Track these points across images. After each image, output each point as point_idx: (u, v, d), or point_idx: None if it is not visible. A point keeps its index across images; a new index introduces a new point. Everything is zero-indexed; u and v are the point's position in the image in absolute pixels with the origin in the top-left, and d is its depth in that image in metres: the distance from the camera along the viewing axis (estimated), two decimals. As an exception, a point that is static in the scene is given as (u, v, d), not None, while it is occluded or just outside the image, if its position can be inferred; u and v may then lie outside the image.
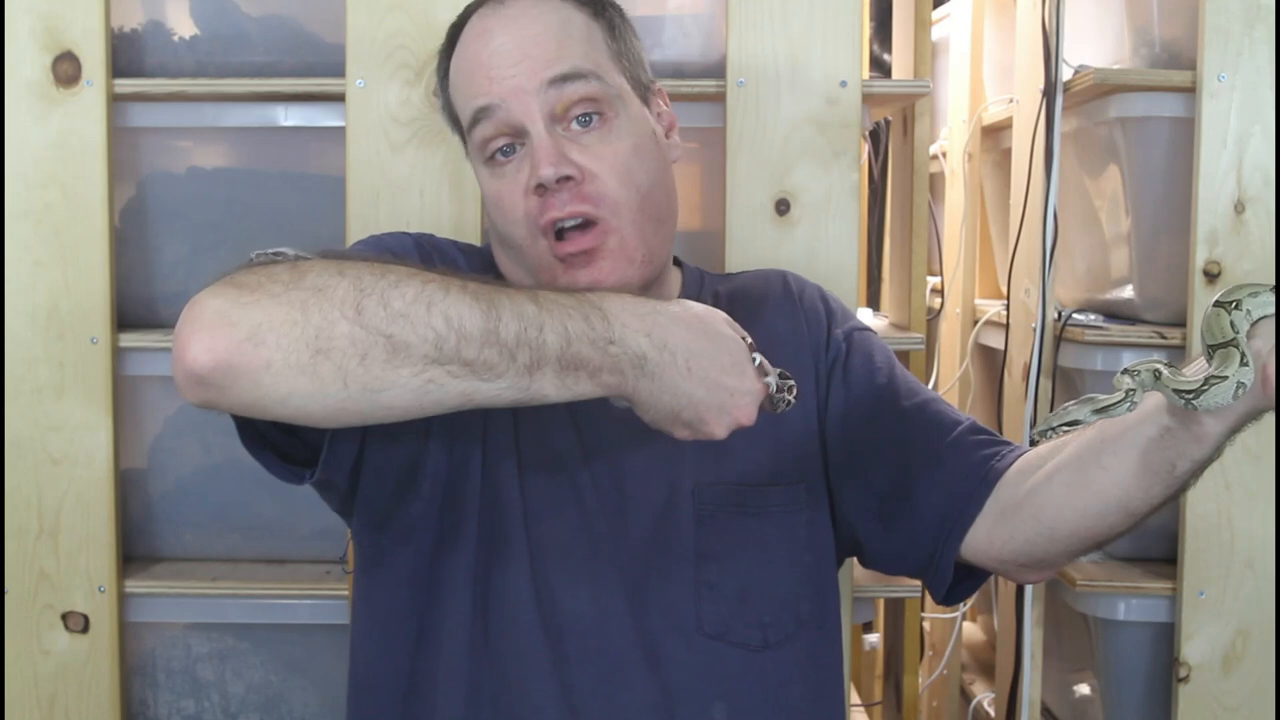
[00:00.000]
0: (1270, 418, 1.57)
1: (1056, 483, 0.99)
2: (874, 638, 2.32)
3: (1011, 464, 1.06)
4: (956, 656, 2.14)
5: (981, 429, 1.12)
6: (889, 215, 2.24)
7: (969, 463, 1.08)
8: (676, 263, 1.23)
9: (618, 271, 1.07)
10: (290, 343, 0.84)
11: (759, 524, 1.11)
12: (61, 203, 1.57)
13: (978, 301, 2.17)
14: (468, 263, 1.15)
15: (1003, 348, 1.90)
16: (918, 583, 1.78)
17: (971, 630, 2.37)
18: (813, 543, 1.13)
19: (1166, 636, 1.64)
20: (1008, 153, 1.96)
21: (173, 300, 1.68)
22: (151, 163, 1.67)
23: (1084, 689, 1.84)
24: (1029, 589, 1.71)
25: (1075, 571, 1.67)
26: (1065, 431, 0.91)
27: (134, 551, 1.68)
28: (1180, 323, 1.63)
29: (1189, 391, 0.84)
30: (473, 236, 1.56)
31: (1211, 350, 0.84)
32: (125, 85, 1.59)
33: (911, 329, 1.83)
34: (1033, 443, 0.98)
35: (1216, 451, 0.89)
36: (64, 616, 1.60)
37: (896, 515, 1.11)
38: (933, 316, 2.21)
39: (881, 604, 2.22)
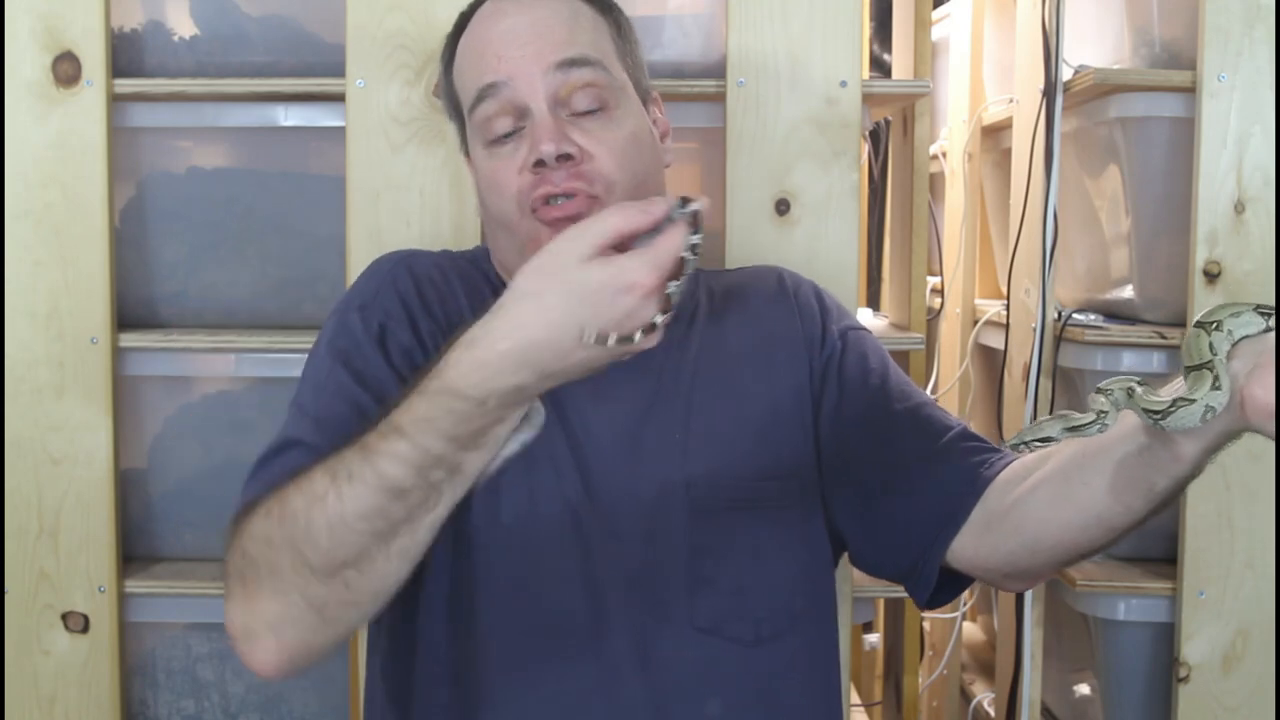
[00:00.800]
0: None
1: (1039, 496, 0.98)
2: (874, 638, 2.32)
3: (999, 473, 1.05)
4: (956, 656, 2.14)
5: (973, 435, 1.11)
6: (889, 215, 2.24)
7: (958, 470, 1.06)
8: None
9: None
10: (301, 621, 0.92)
11: (752, 519, 1.10)
12: (61, 203, 1.57)
13: (978, 301, 2.17)
14: (456, 270, 1.16)
15: (1003, 348, 1.90)
16: (918, 583, 1.78)
17: (971, 630, 2.37)
18: (808, 538, 1.13)
19: (1166, 636, 1.64)
20: (1008, 153, 1.96)
21: (173, 300, 1.68)
22: (151, 163, 1.67)
23: (1084, 689, 1.84)
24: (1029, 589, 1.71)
25: (1075, 571, 1.67)
26: (1038, 446, 0.90)
27: (134, 551, 1.68)
28: (1180, 323, 1.63)
29: (1157, 412, 0.83)
30: (473, 236, 1.56)
31: (1188, 371, 0.83)
32: (125, 85, 1.59)
33: (911, 329, 1.83)
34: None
35: (1196, 470, 0.87)
36: (64, 616, 1.60)
37: (882, 518, 1.11)
38: (933, 316, 2.21)
39: (881, 604, 2.22)
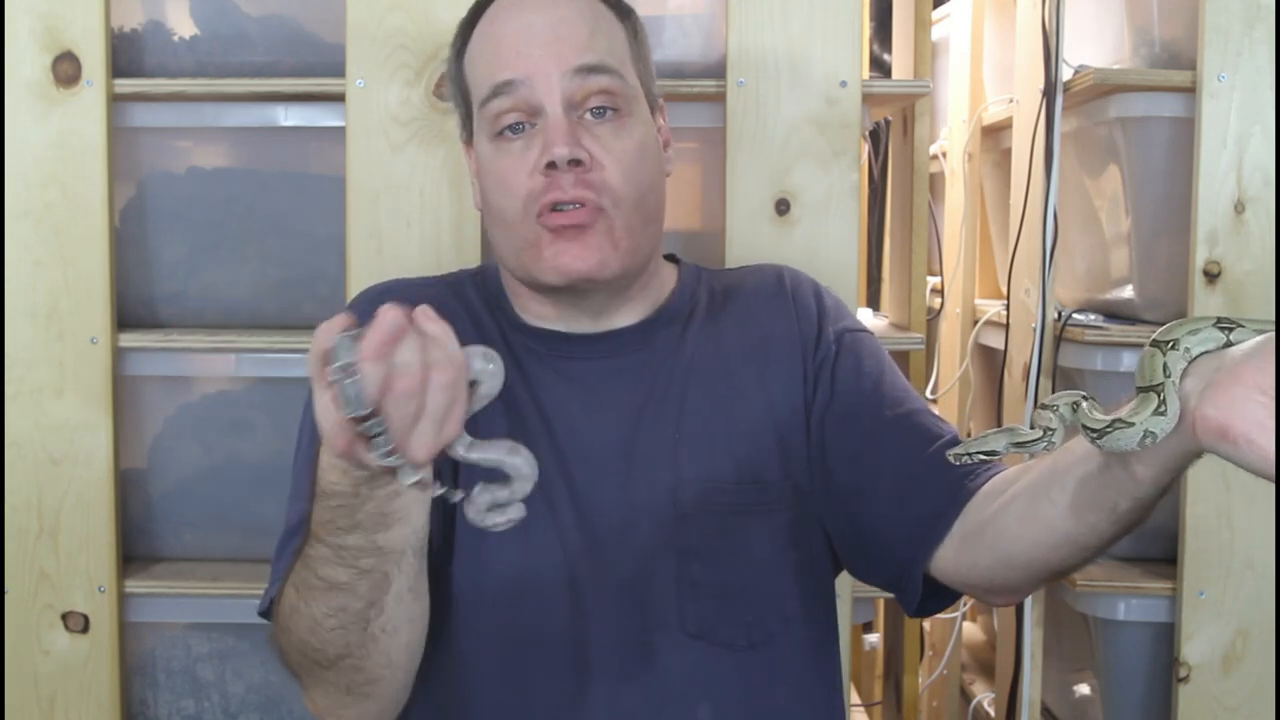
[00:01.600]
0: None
1: (1011, 513, 0.96)
2: (874, 638, 2.32)
3: (983, 485, 1.03)
4: (956, 656, 2.14)
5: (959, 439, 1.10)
6: (889, 215, 2.24)
7: (942, 480, 1.04)
8: (675, 260, 1.24)
9: (601, 253, 1.08)
10: (344, 702, 1.00)
11: (743, 522, 1.09)
12: (61, 203, 1.57)
13: (978, 301, 2.17)
14: (433, 301, 1.15)
15: (1003, 348, 1.90)
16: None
17: (971, 630, 2.37)
18: (800, 541, 1.12)
19: (1166, 636, 1.64)
20: (1008, 153, 1.96)
21: (173, 300, 1.68)
22: (151, 163, 1.66)
23: (1084, 689, 1.84)
24: (1029, 589, 1.71)
25: (1066, 577, 1.67)
26: (981, 459, 0.87)
27: (134, 551, 1.68)
28: (1180, 323, 1.63)
29: (1094, 431, 0.80)
30: (473, 235, 1.56)
31: (1138, 392, 0.79)
32: (125, 85, 1.59)
33: (911, 329, 1.83)
34: (958, 459, 0.91)
35: (1158, 491, 0.84)
36: (64, 616, 1.60)
37: (866, 526, 1.09)
38: (933, 316, 2.21)
39: (881, 604, 2.22)
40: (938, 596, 1.08)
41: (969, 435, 1.13)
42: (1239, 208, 1.58)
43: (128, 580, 1.62)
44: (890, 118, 2.07)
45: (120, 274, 1.61)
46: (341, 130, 1.57)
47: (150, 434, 1.69)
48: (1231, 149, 1.57)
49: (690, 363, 1.14)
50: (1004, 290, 1.90)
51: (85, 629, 1.60)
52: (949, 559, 1.03)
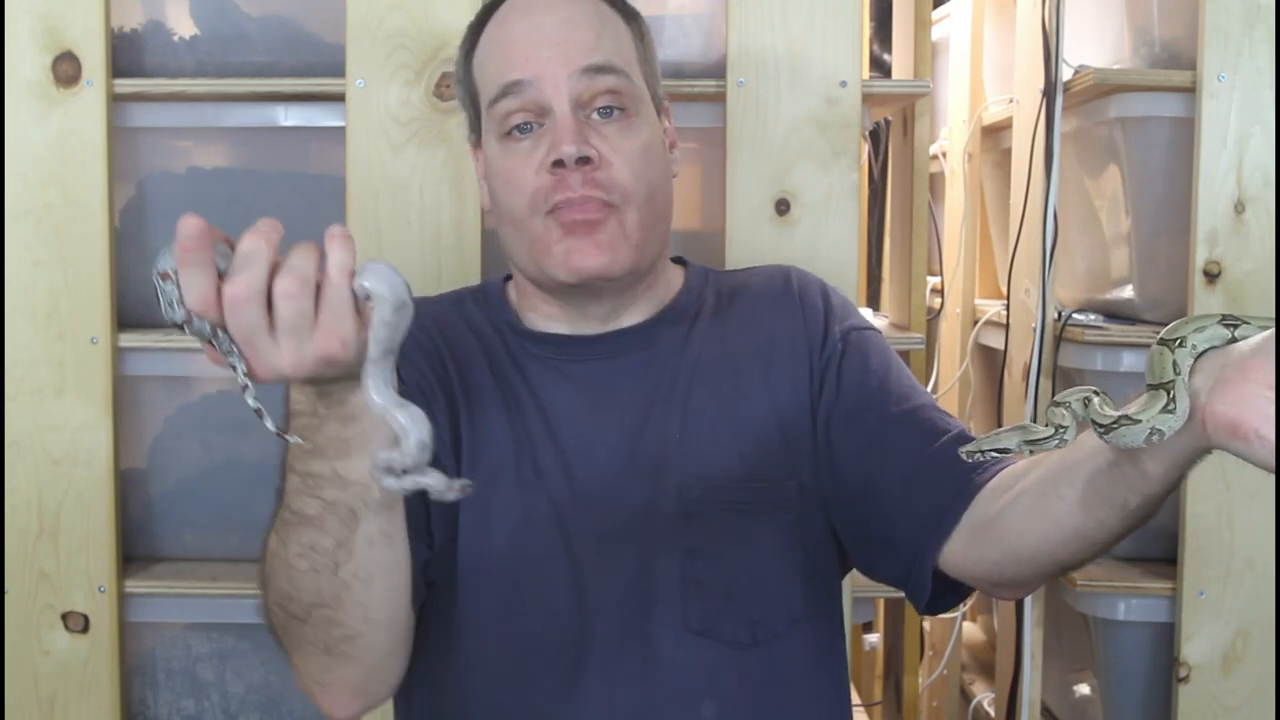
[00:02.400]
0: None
1: (1020, 507, 0.96)
2: (874, 638, 2.32)
3: (991, 479, 1.03)
4: (956, 656, 2.14)
5: (969, 439, 1.08)
6: (889, 215, 2.24)
7: (950, 475, 1.04)
8: (682, 262, 1.24)
9: (612, 249, 1.09)
10: (323, 664, 0.97)
11: (748, 520, 1.10)
12: (61, 203, 1.57)
13: (978, 301, 2.17)
14: (432, 317, 1.17)
15: (1003, 348, 1.90)
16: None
17: (971, 630, 2.37)
18: (806, 541, 1.12)
19: (1166, 636, 1.64)
20: (1008, 153, 1.96)
21: (173, 300, 1.68)
22: (151, 163, 1.66)
23: (1084, 689, 1.84)
24: (1029, 589, 1.71)
25: (1075, 571, 1.67)
26: (993, 456, 0.88)
27: (134, 551, 1.68)
28: (1180, 323, 1.63)
29: (1102, 426, 0.81)
30: (473, 235, 1.56)
31: (1149, 389, 0.79)
32: (125, 85, 1.59)
33: (911, 329, 1.83)
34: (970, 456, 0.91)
35: (1168, 487, 0.84)
36: (64, 616, 1.60)
37: (874, 522, 1.10)
38: (933, 316, 2.21)
39: (881, 604, 2.22)
40: (947, 594, 1.08)
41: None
42: (1239, 208, 1.58)
43: (128, 580, 1.62)
44: (890, 118, 2.07)
45: (120, 274, 1.61)
46: (341, 130, 1.57)
47: (150, 434, 1.69)
48: (1231, 149, 1.57)
49: (696, 361, 1.14)
50: (1004, 290, 1.90)
51: (85, 629, 1.60)
52: (957, 552, 1.03)
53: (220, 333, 0.79)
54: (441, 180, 1.56)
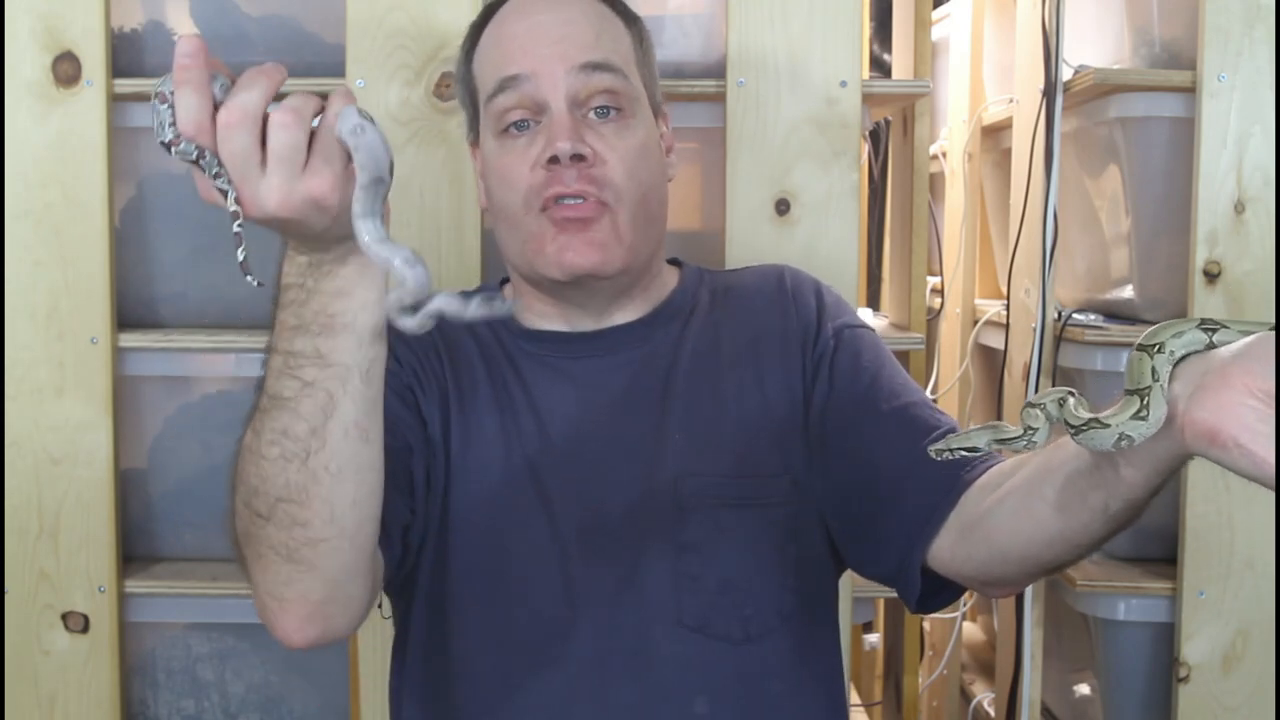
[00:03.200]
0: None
1: (1005, 508, 0.95)
2: (874, 638, 2.32)
3: (980, 476, 1.02)
4: (956, 656, 2.14)
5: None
6: (889, 215, 2.24)
7: (939, 473, 1.03)
8: (676, 263, 1.24)
9: (606, 248, 1.09)
10: (283, 574, 0.92)
11: (740, 516, 1.10)
12: (61, 203, 1.57)
13: (978, 301, 2.17)
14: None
15: (1003, 348, 1.90)
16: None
17: (971, 630, 2.37)
18: (799, 535, 1.12)
19: (1166, 636, 1.64)
20: (1008, 153, 1.96)
21: (173, 300, 1.68)
22: (151, 163, 1.66)
23: (1084, 689, 1.84)
24: (1028, 589, 1.71)
25: (1075, 571, 1.67)
26: (962, 455, 0.87)
27: (134, 551, 1.68)
28: (1180, 323, 1.63)
29: (1074, 428, 0.80)
30: (473, 235, 1.56)
31: (1126, 395, 0.78)
32: (125, 85, 1.59)
33: (911, 329, 1.83)
34: (939, 454, 0.90)
35: (1149, 492, 0.82)
36: (64, 616, 1.60)
37: (863, 519, 1.09)
38: (933, 316, 2.21)
39: (881, 604, 2.22)
40: (939, 592, 1.07)
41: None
42: (1239, 208, 1.58)
43: (128, 580, 1.62)
44: (890, 118, 2.06)
45: (120, 274, 1.61)
46: (341, 130, 1.56)
47: (150, 434, 1.69)
48: (1231, 149, 1.57)
49: (689, 358, 1.15)
50: (1004, 290, 1.90)
51: (85, 629, 1.60)
52: (945, 550, 1.02)
53: (209, 155, 0.80)
54: (441, 180, 1.56)
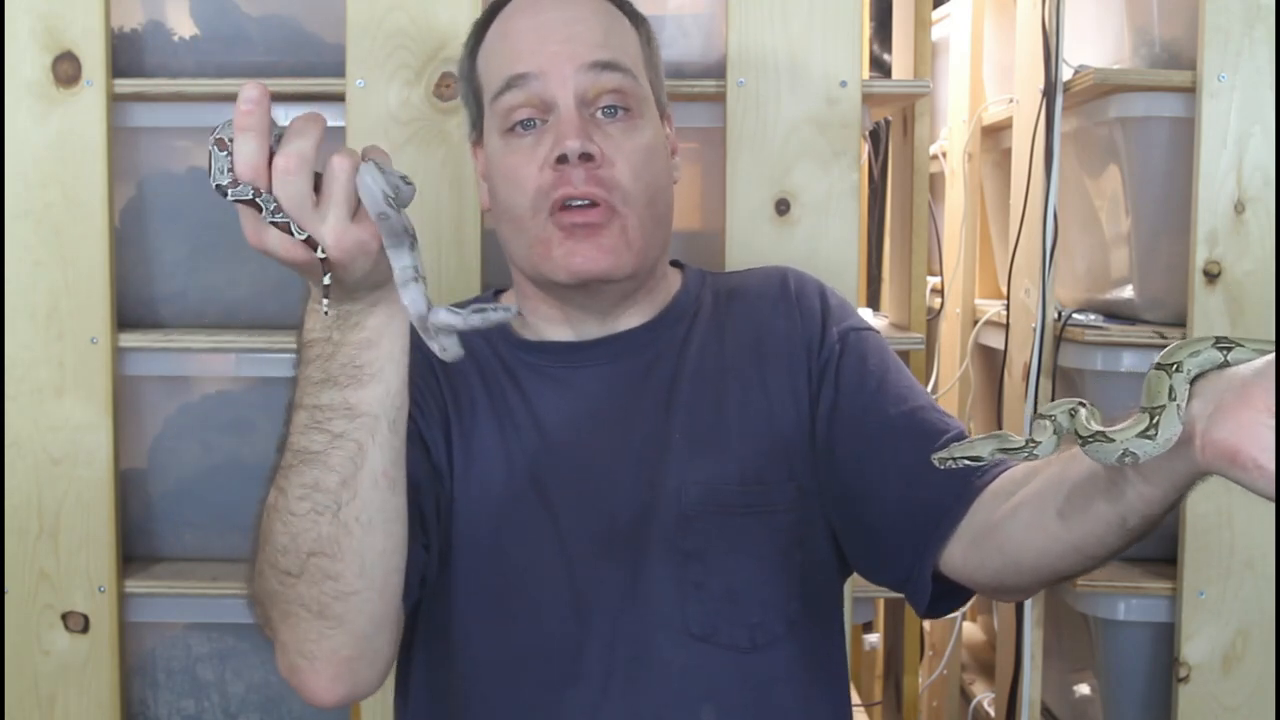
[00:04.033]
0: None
1: (1019, 519, 0.95)
2: (874, 638, 2.32)
3: (991, 482, 1.02)
4: (956, 656, 2.14)
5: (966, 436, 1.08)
6: (889, 215, 2.24)
7: (950, 478, 1.01)
8: (678, 265, 1.24)
9: (615, 254, 1.08)
10: (313, 631, 0.93)
11: (745, 523, 1.09)
12: (61, 203, 1.57)
13: (978, 301, 2.17)
14: None
15: (1003, 348, 1.90)
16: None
17: (971, 630, 2.37)
18: (805, 542, 1.11)
19: (1166, 636, 1.64)
20: (1008, 153, 1.96)
21: (173, 300, 1.68)
22: (151, 163, 1.66)
23: (1084, 689, 1.84)
24: (1029, 589, 1.71)
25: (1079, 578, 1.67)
26: (965, 464, 0.87)
27: (134, 551, 1.68)
28: (1180, 323, 1.63)
29: (1081, 438, 0.80)
30: (473, 235, 1.56)
31: (1141, 412, 0.78)
32: (125, 85, 1.59)
33: (911, 329, 1.83)
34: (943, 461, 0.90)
35: (1165, 509, 0.82)
36: (64, 616, 1.60)
37: (874, 525, 1.09)
38: (933, 316, 2.21)
39: (881, 604, 2.22)
40: (949, 597, 1.07)
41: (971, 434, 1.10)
42: (1239, 208, 1.58)
43: (128, 580, 1.62)
44: (890, 118, 2.07)
45: (120, 274, 1.61)
46: (341, 130, 1.57)
47: (150, 434, 1.69)
48: (1231, 149, 1.57)
49: (694, 365, 1.14)
50: (1004, 290, 1.90)
51: (85, 629, 1.60)
52: (958, 557, 1.02)
53: (265, 194, 0.82)
54: (442, 180, 1.56)
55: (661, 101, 1.17)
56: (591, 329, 1.15)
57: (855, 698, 2.04)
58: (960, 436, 1.07)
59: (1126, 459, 0.78)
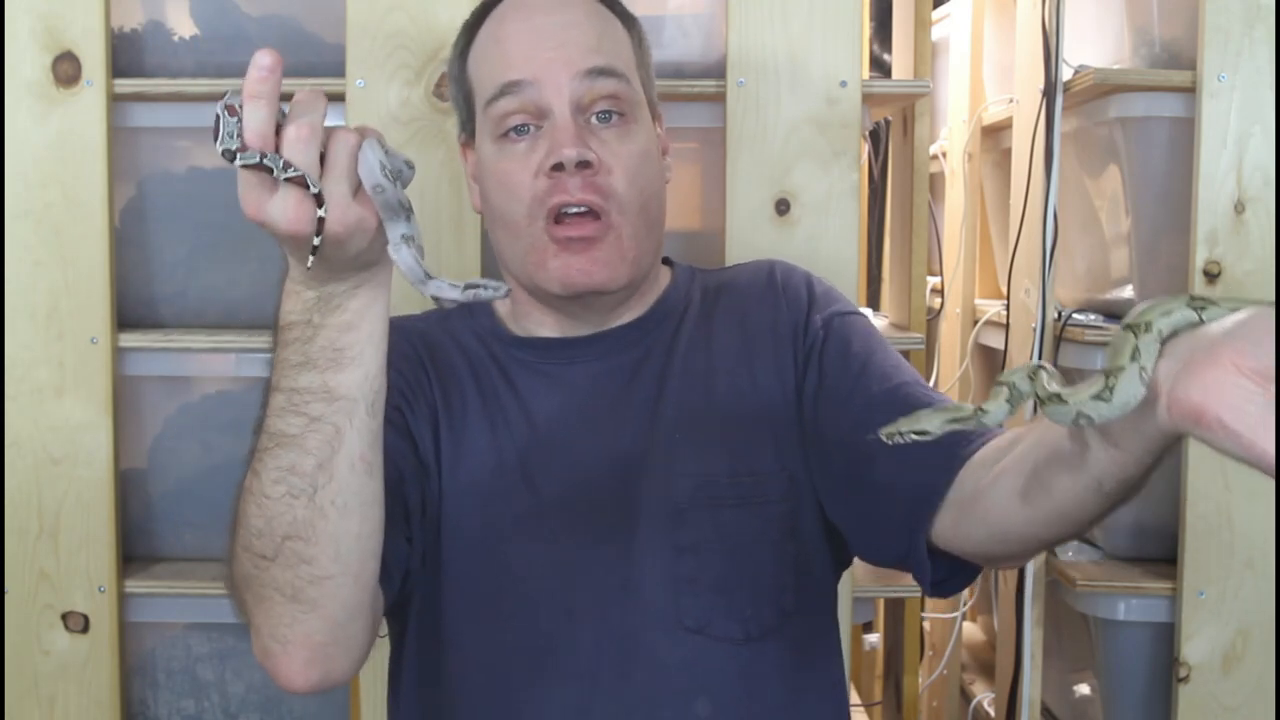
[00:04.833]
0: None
1: (1001, 486, 0.93)
2: (874, 638, 2.32)
3: (977, 451, 0.99)
4: (956, 656, 2.14)
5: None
6: (889, 215, 2.24)
7: (935, 450, 0.99)
8: (667, 262, 1.24)
9: (610, 266, 1.09)
10: (287, 615, 0.92)
11: (736, 515, 1.09)
12: (61, 203, 1.57)
13: (978, 301, 2.17)
14: (418, 333, 1.17)
15: (1003, 348, 1.90)
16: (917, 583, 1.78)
17: (971, 630, 2.37)
18: (797, 533, 1.11)
19: (1166, 636, 1.64)
20: (1008, 153, 1.96)
21: (173, 300, 1.68)
22: (151, 163, 1.67)
23: (1084, 689, 1.84)
24: (1028, 589, 1.71)
25: (1075, 571, 1.67)
26: (913, 438, 0.85)
27: (134, 551, 1.68)
28: (1180, 323, 1.63)
29: (1041, 400, 0.78)
30: (473, 235, 1.56)
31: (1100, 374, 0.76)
32: (125, 85, 1.59)
33: (911, 329, 1.83)
34: (889, 438, 0.88)
35: (1142, 470, 0.80)
36: (64, 616, 1.60)
37: (866, 504, 1.08)
38: (933, 316, 2.21)
39: (881, 604, 2.22)
40: (954, 574, 1.05)
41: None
42: (1239, 208, 1.58)
43: (128, 580, 1.62)
44: (890, 118, 2.06)
45: (120, 274, 1.61)
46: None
47: (150, 434, 1.69)
48: (1231, 149, 1.57)
49: (682, 361, 1.14)
50: (1004, 290, 1.90)
51: (85, 629, 1.60)
52: (948, 528, 1.01)
53: (271, 155, 0.82)
54: (441, 180, 1.56)
55: (653, 100, 1.17)
56: (583, 330, 1.15)
57: (855, 698, 2.05)
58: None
59: (1081, 421, 0.76)
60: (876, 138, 2.26)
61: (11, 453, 1.59)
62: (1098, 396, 0.75)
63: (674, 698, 1.07)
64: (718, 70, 1.58)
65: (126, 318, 1.63)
